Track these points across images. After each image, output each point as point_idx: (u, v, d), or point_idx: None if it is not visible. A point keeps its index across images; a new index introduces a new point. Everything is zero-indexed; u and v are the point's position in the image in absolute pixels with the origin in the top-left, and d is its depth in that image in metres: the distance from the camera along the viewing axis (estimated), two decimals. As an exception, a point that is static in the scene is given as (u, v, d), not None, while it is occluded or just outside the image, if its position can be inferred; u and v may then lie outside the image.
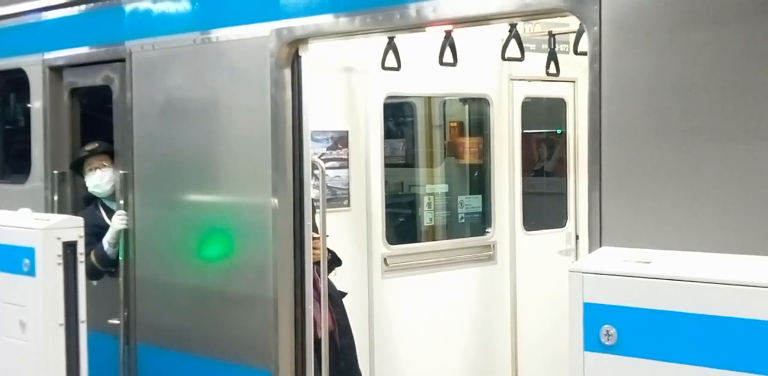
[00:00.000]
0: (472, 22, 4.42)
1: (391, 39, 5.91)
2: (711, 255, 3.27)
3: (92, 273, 5.87)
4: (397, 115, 6.98)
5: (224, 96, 5.38)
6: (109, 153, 6.26)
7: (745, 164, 3.34)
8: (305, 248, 5.04)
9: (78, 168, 6.42)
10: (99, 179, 6.23)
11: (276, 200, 5.02)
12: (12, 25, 7.09)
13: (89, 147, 6.32)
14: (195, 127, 5.56)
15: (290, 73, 5.02)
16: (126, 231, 5.98)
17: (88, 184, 6.31)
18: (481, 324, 6.84)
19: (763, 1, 3.31)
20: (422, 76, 6.47)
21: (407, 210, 6.92)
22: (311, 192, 5.10)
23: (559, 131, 7.48)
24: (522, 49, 6.28)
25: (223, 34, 5.34)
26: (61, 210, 6.50)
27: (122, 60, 6.01)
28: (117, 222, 6.03)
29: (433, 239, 6.93)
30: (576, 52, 5.78)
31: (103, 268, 6.12)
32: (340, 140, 6.18)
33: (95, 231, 6.02)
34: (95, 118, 6.77)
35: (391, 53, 6.01)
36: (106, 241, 6.08)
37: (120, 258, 6.04)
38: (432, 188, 6.99)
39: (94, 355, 5.09)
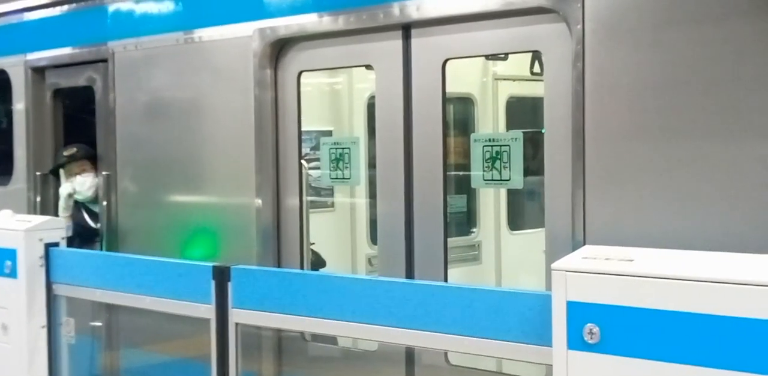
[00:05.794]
0: (456, 22, 4.40)
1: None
2: (694, 253, 3.27)
3: None
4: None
5: (207, 96, 5.36)
6: (89, 158, 6.21)
7: (727, 162, 3.34)
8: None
9: (58, 173, 6.38)
10: (80, 185, 6.18)
11: (259, 201, 5.00)
12: (-6, 25, 7.05)
13: (67, 152, 6.26)
14: (178, 128, 5.53)
15: (273, 73, 5.00)
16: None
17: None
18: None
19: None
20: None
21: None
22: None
23: (543, 130, 7.45)
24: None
25: (206, 34, 5.31)
26: (44, 211, 6.46)
27: (105, 60, 5.98)
28: (63, 188, 6.14)
29: (418, 239, 6.89)
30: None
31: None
32: (324, 140, 6.15)
33: (78, 231, 6.01)
34: (78, 120, 6.72)
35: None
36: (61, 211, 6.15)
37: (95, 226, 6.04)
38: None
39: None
